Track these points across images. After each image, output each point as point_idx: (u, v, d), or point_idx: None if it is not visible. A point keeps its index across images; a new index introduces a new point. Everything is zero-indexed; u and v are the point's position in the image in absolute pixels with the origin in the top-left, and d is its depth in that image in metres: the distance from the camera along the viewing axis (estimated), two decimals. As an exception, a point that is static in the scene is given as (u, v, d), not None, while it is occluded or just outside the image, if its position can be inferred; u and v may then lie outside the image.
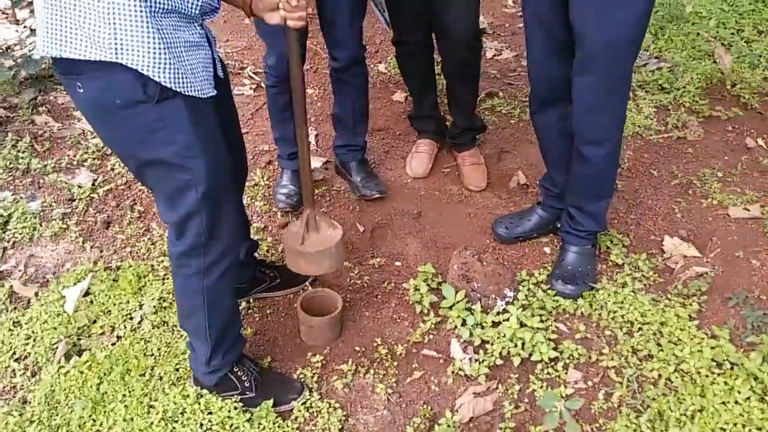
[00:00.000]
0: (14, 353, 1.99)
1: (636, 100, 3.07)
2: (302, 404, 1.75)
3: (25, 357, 1.97)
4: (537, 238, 2.32)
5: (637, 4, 1.62)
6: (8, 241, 2.45)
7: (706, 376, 1.75)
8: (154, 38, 1.22)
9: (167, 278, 2.19)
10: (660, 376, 1.77)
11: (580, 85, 1.77)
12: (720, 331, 1.85)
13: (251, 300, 2.12)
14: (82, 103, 1.33)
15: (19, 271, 2.33)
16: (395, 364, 1.88)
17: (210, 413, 1.73)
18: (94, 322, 2.08)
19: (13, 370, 1.94)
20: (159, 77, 1.25)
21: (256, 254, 2.12)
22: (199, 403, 1.74)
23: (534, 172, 2.64)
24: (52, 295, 2.17)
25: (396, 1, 2.39)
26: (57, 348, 1.97)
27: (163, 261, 2.28)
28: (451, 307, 1.97)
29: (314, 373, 1.86)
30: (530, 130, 2.43)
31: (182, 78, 1.29)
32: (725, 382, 1.72)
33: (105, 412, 1.75)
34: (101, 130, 1.39)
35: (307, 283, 2.17)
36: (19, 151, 2.83)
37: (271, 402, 1.72)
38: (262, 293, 2.13)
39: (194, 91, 1.33)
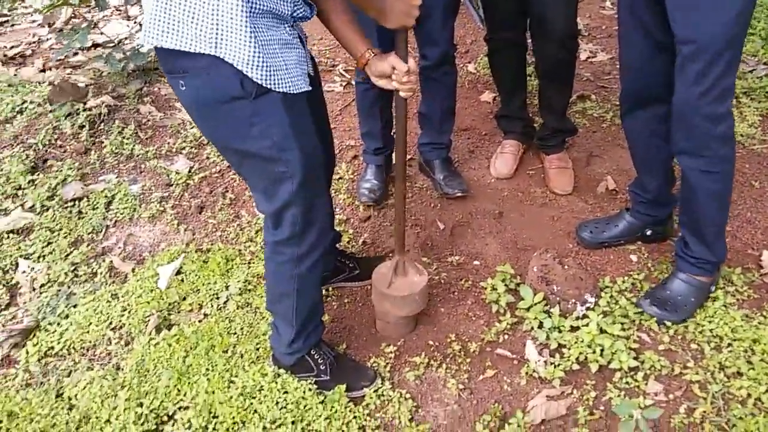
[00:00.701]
0: (111, 323, 2.13)
1: (740, 107, 2.91)
2: (374, 392, 1.78)
3: (120, 327, 2.11)
4: (623, 245, 2.25)
5: (732, 4, 1.54)
6: (111, 220, 2.63)
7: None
8: (250, 36, 1.28)
9: (252, 262, 2.28)
10: (749, 395, 1.68)
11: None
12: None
13: (330, 288, 2.18)
14: (185, 99, 1.42)
15: (119, 248, 2.50)
16: (468, 360, 1.88)
17: (286, 392, 1.79)
18: (184, 299, 2.20)
19: (109, 339, 2.08)
20: (253, 74, 1.31)
21: (338, 245, 2.17)
22: (276, 382, 1.80)
23: (624, 178, 2.56)
24: (147, 272, 2.31)
25: None
26: (149, 321, 2.09)
27: (249, 246, 2.38)
28: (528, 309, 1.95)
29: (387, 363, 1.88)
30: (621, 135, 2.36)
31: (276, 75, 1.35)
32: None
33: (189, 383, 1.85)
34: (201, 124, 1.47)
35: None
36: (124, 138, 3.03)
37: (344, 387, 1.76)
38: (342, 282, 2.18)
39: (288, 87, 1.38)
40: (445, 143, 2.62)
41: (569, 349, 1.83)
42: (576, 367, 1.80)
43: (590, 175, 2.68)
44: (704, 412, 1.66)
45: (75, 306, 2.22)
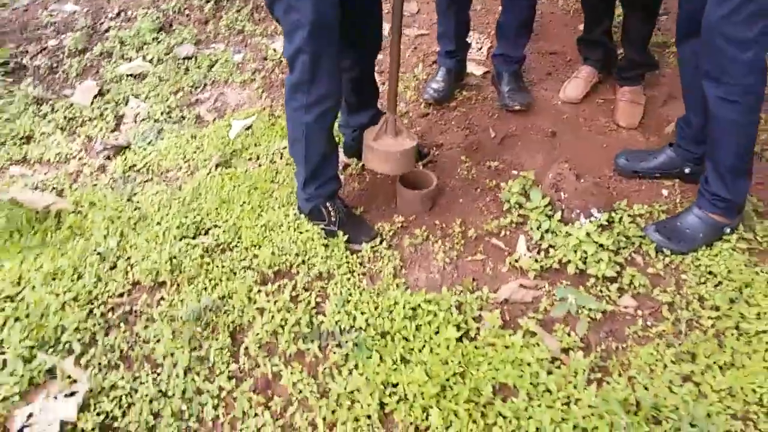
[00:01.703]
0: (184, 156, 2.51)
1: None
2: (371, 247, 2.00)
3: (191, 160, 2.49)
4: (659, 179, 2.24)
5: None
6: (209, 79, 3.01)
7: (765, 339, 1.64)
8: None
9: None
10: (714, 326, 1.71)
11: None
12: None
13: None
14: None
15: (209, 101, 2.87)
16: (463, 242, 2.04)
17: (300, 232, 2.06)
18: (246, 149, 2.52)
19: (179, 166, 2.46)
20: None
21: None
22: (294, 223, 2.09)
23: None
24: (223, 123, 2.66)
25: None
26: (212, 159, 2.44)
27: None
28: (532, 210, 2.05)
29: (392, 229, 2.09)
30: None
31: None
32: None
33: (227, 209, 2.18)
34: None
35: (420, 165, 2.36)
36: (240, 15, 3.38)
37: (345, 237, 2.00)
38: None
39: None
40: (517, 57, 2.68)
41: (556, 250, 1.93)
42: (556, 266, 1.90)
43: (662, 116, 2.63)
44: (663, 331, 1.72)
45: (161, 139, 2.62)
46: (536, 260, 1.93)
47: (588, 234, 1.90)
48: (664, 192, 2.21)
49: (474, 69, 2.97)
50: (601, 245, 1.89)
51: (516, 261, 1.95)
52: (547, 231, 1.99)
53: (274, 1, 1.72)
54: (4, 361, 1.68)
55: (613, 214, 2.06)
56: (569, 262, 1.89)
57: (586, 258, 1.89)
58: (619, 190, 2.23)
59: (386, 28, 2.29)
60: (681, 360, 1.63)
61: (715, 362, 1.62)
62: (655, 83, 2.76)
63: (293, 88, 1.85)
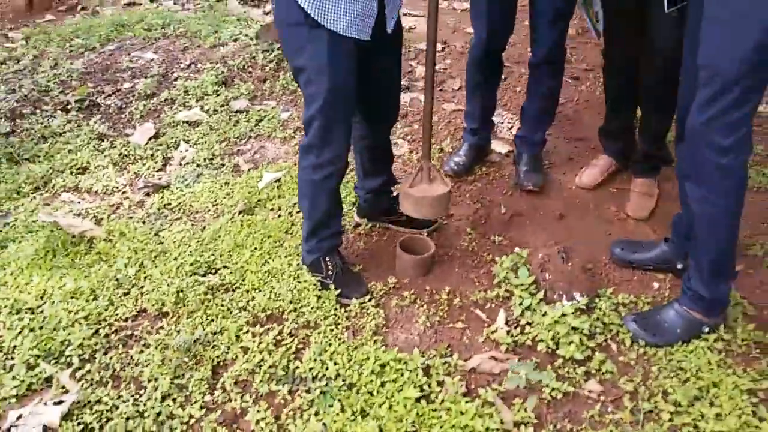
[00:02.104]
0: (215, 200, 2.75)
1: None
2: (360, 303, 2.13)
3: (219, 204, 2.71)
4: (652, 271, 2.28)
5: (749, 35, 1.56)
6: (254, 132, 3.28)
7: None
8: None
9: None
10: (671, 420, 1.72)
11: None
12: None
13: (378, 225, 2.54)
14: (274, 15, 1.89)
15: (249, 153, 3.12)
16: (447, 310, 2.14)
17: (298, 281, 2.22)
18: (271, 199, 2.73)
19: (208, 209, 2.69)
20: (308, 9, 1.73)
21: (394, 189, 2.51)
22: (296, 272, 2.25)
23: None
24: (256, 174, 2.89)
25: (614, 12, 2.45)
26: (238, 205, 2.66)
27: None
28: (517, 287, 2.13)
29: (384, 289, 2.22)
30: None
31: (327, 15, 1.75)
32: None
33: (238, 253, 2.37)
34: (281, 39, 1.94)
35: (424, 232, 2.49)
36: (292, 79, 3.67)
37: (337, 291, 2.14)
38: (388, 224, 2.53)
39: (338, 28, 1.78)
40: (536, 140, 2.80)
41: (532, 327, 2.00)
42: (529, 343, 1.97)
43: (674, 210, 2.65)
44: (621, 419, 1.74)
45: (198, 182, 2.87)
46: (511, 335, 2.00)
47: (564, 315, 1.97)
48: (655, 285, 2.24)
49: (499, 147, 3.11)
50: (575, 328, 1.95)
51: (493, 333, 2.02)
52: (528, 308, 2.07)
53: (296, 72, 1.93)
54: (12, 365, 1.89)
55: (596, 300, 2.11)
56: (542, 340, 1.95)
57: (558, 339, 1.94)
58: (610, 277, 2.28)
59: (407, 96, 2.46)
60: (631, 451, 1.65)
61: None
62: (671, 177, 2.79)
63: (305, 149, 2.04)
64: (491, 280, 2.26)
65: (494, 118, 3.31)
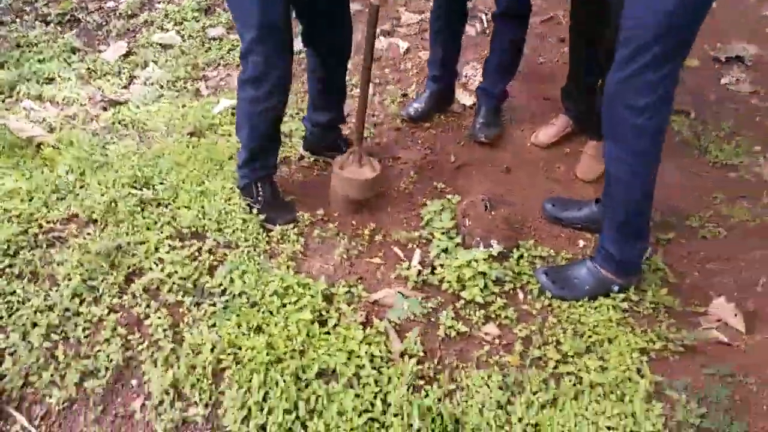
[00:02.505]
0: (168, 120, 2.77)
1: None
2: (282, 230, 2.17)
3: (170, 125, 2.74)
4: (581, 230, 2.29)
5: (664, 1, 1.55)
6: (224, 61, 3.29)
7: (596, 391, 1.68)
8: None
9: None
10: (556, 368, 1.76)
11: None
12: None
13: (321, 159, 2.56)
14: None
15: (214, 80, 3.13)
16: (366, 245, 2.17)
17: (228, 203, 2.25)
18: (222, 125, 2.75)
19: (159, 129, 2.72)
20: None
21: (341, 126, 2.52)
22: (228, 194, 2.28)
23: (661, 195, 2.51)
24: (214, 100, 2.90)
25: None
26: (188, 127, 2.68)
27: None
28: (439, 230, 2.16)
29: (309, 219, 2.25)
30: (685, 158, 2.56)
31: None
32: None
33: (177, 171, 2.41)
34: None
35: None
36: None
37: (263, 216, 2.18)
38: (330, 158, 2.54)
39: None
40: (495, 93, 2.78)
41: (443, 269, 2.03)
42: (435, 283, 2.00)
43: (624, 176, 2.65)
44: (508, 361, 1.78)
45: (157, 103, 2.89)
46: (422, 274, 2.03)
47: (475, 261, 1.99)
48: (581, 243, 2.25)
49: (465, 99, 3.08)
50: (483, 273, 1.97)
51: (406, 270, 2.05)
52: (444, 251, 2.09)
53: (230, 5, 1.92)
54: (-64, 250, 1.95)
55: (514, 250, 2.13)
56: (448, 282, 1.98)
57: (464, 282, 1.97)
58: (537, 232, 2.29)
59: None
60: (507, 389, 1.69)
61: (537, 398, 1.67)
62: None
63: (243, 82, 2.04)
64: (419, 223, 2.28)
65: (468, 70, 3.30)
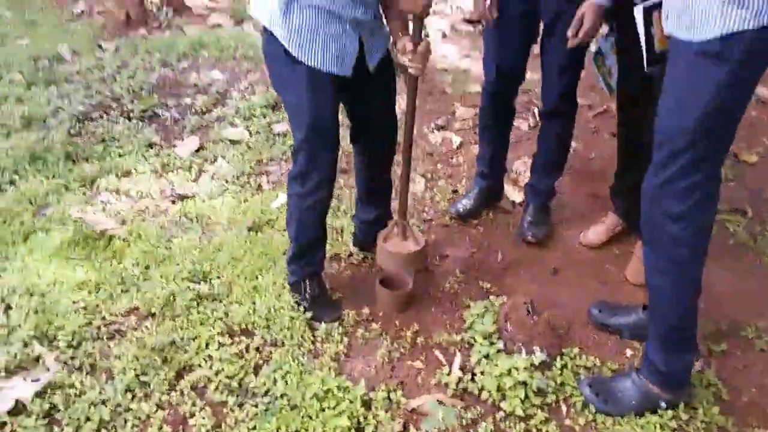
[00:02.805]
0: (230, 214, 2.93)
1: None
2: (327, 328, 2.23)
3: (232, 219, 2.90)
4: (629, 338, 2.24)
5: (695, 105, 1.57)
6: (286, 156, 3.46)
7: None
8: (291, 23, 1.84)
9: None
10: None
11: None
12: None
13: (369, 256, 2.64)
14: (263, 52, 2.05)
15: (275, 174, 3.31)
16: (409, 347, 2.20)
17: (278, 300, 2.35)
18: (278, 220, 2.88)
19: (221, 223, 2.88)
20: (289, 47, 1.87)
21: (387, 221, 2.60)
22: (279, 290, 2.39)
23: (708, 296, 2.43)
24: (273, 194, 3.07)
25: (624, 74, 2.45)
26: (247, 221, 2.84)
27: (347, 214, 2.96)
28: (481, 333, 2.16)
29: (355, 319, 2.30)
30: (733, 253, 2.53)
31: (306, 52, 1.87)
32: None
33: (233, 265, 2.54)
34: (269, 75, 2.09)
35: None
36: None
37: (309, 314, 2.26)
38: (378, 254, 2.62)
39: (316, 64, 1.91)
40: (543, 190, 2.81)
41: (484, 376, 2.02)
42: (475, 391, 1.99)
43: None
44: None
45: (221, 197, 3.08)
46: (462, 381, 2.03)
47: (515, 369, 1.98)
48: (629, 352, 2.20)
49: (515, 195, 3.13)
50: (523, 383, 1.95)
51: (447, 376, 2.06)
52: (486, 357, 2.09)
53: (284, 104, 2.08)
54: (10, 342, 2.12)
55: (558, 359, 2.10)
56: (488, 390, 1.97)
57: (504, 391, 1.96)
58: (583, 338, 2.26)
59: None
60: None
61: None
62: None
63: (292, 178, 2.17)
64: (462, 325, 2.29)
65: (518, 165, 3.36)
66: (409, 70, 1.99)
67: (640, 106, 2.46)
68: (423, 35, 1.98)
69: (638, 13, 2.04)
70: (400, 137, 2.22)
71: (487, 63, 2.63)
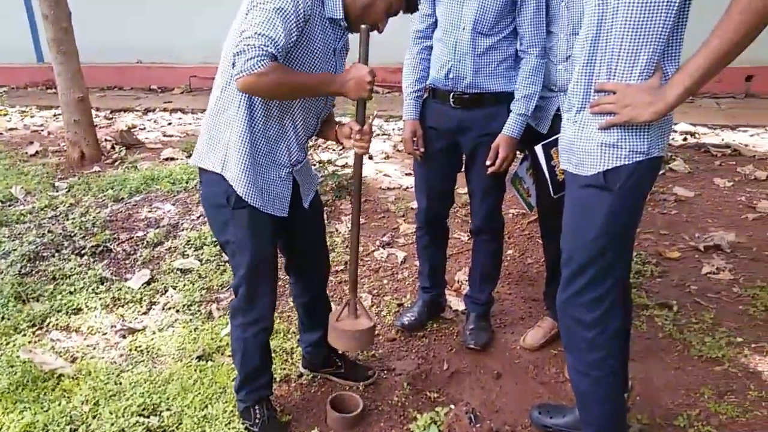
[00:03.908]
0: (179, 345, 2.99)
1: None
2: (277, 454, 2.27)
3: (182, 349, 2.95)
4: (568, 438, 2.34)
5: (590, 227, 1.79)
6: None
7: None
8: (245, 168, 2.02)
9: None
10: None
11: None
12: None
13: (318, 376, 2.72)
14: (202, 197, 2.23)
15: (225, 302, 3.40)
16: (358, 464, 2.24)
17: (229, 428, 2.39)
18: (228, 346, 2.95)
19: (171, 354, 2.93)
20: (240, 191, 2.05)
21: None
22: (229, 417, 2.42)
23: (647, 390, 2.59)
24: (224, 321, 3.15)
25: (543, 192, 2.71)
26: (197, 350, 2.90)
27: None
28: (425, 444, 2.24)
29: (305, 441, 2.35)
30: (671, 349, 2.72)
31: (253, 195, 2.06)
32: None
33: (183, 396, 2.57)
34: (208, 217, 2.26)
35: (361, 385, 2.65)
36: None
37: (258, 443, 2.30)
38: (328, 375, 2.71)
39: (259, 206, 2.08)
40: (481, 300, 2.98)
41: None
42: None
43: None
44: None
45: (171, 327, 3.15)
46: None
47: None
48: (570, 451, 2.29)
49: (458, 304, 3.29)
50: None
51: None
52: (430, 466, 2.15)
53: (223, 245, 2.23)
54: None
55: (502, 464, 2.18)
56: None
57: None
58: (526, 440, 2.35)
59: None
60: None
61: None
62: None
63: (234, 310, 2.29)
64: (408, 436, 2.36)
65: (460, 276, 3.55)
66: (355, 150, 2.15)
67: (557, 220, 2.71)
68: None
69: (539, 150, 2.34)
70: (342, 248, 2.38)
71: (418, 192, 2.89)
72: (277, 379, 2.68)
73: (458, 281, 3.52)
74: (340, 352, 2.68)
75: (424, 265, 3.06)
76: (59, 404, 2.55)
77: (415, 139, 2.72)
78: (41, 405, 2.55)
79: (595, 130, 1.76)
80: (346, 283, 3.49)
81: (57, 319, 3.24)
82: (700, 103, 6.97)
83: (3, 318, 3.25)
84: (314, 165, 2.32)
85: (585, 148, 1.78)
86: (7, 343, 3.02)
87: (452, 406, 2.44)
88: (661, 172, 4.84)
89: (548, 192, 2.52)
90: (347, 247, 3.88)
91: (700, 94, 7.04)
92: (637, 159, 1.73)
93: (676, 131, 6.02)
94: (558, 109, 2.54)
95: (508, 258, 3.74)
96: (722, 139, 5.80)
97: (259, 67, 1.77)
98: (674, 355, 2.82)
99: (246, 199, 2.06)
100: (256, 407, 2.38)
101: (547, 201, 2.67)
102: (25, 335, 3.10)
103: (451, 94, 2.59)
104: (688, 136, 5.90)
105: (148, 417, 2.48)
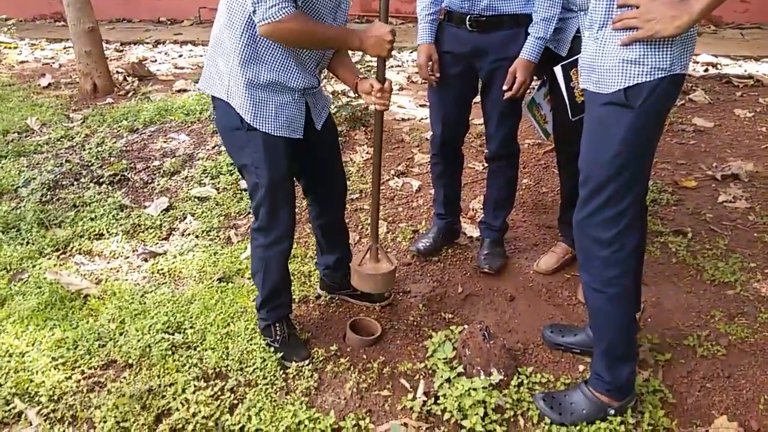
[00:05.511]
0: (200, 268, 3.07)
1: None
2: (298, 366, 2.36)
3: (203, 272, 3.03)
4: (580, 355, 2.40)
5: (609, 146, 1.79)
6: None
7: None
8: (248, 96, 2.04)
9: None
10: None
11: None
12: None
13: (336, 297, 2.79)
14: (216, 122, 2.24)
15: (243, 228, 3.46)
16: (376, 377, 2.33)
17: (250, 344, 2.47)
18: (248, 269, 3.02)
19: (193, 276, 3.01)
20: (246, 117, 2.06)
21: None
22: (250, 335, 2.51)
23: (658, 311, 2.63)
24: (242, 246, 3.21)
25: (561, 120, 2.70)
26: (217, 273, 2.97)
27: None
28: (440, 360, 2.31)
29: (324, 356, 2.43)
30: (682, 274, 2.73)
31: (260, 120, 2.07)
32: None
33: (206, 315, 2.66)
34: (223, 141, 2.28)
35: (377, 305, 2.72)
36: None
37: (280, 354, 2.38)
38: (345, 296, 2.77)
39: (269, 130, 2.10)
40: (496, 226, 3.01)
41: (446, 399, 2.16)
42: (438, 413, 2.13)
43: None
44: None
45: (191, 252, 3.22)
46: (426, 405, 2.16)
47: (474, 389, 2.12)
48: (581, 367, 2.36)
49: (472, 231, 3.32)
50: (482, 401, 2.10)
51: (411, 401, 2.19)
52: (447, 381, 2.23)
53: (240, 168, 2.25)
54: (-9, 400, 2.20)
55: (515, 378, 2.25)
56: (450, 411, 2.11)
57: (465, 411, 2.09)
58: (537, 358, 2.41)
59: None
60: None
61: None
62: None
63: (255, 231, 2.33)
64: (426, 354, 2.44)
65: (475, 204, 3.57)
66: (376, 107, 2.18)
67: (575, 146, 2.70)
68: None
69: (558, 71, 2.30)
70: (357, 177, 2.40)
71: (433, 118, 2.87)
72: (296, 300, 2.75)
73: (473, 209, 3.55)
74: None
75: (439, 192, 3.08)
76: (87, 322, 2.64)
77: (430, 63, 2.68)
78: (70, 323, 2.64)
79: (617, 46, 1.74)
80: (361, 210, 3.53)
81: (80, 244, 3.31)
82: (723, 34, 6.78)
83: (27, 243, 3.33)
84: (328, 96, 2.30)
85: (606, 66, 1.77)
86: (34, 266, 3.11)
87: (466, 326, 2.50)
88: (680, 102, 4.79)
89: (566, 116, 2.50)
90: (362, 176, 3.90)
91: (725, 24, 6.84)
92: (659, 75, 1.71)
93: (697, 62, 5.89)
94: (578, 31, 2.48)
95: (523, 187, 3.74)
96: (745, 70, 5.67)
97: (281, 14, 1.84)
98: (686, 280, 2.85)
99: (255, 126, 2.07)
100: (277, 325, 2.45)
101: (565, 126, 2.65)
102: (50, 259, 3.18)
103: (468, 16, 2.54)
104: (710, 68, 5.77)
105: (173, 334, 2.57)
